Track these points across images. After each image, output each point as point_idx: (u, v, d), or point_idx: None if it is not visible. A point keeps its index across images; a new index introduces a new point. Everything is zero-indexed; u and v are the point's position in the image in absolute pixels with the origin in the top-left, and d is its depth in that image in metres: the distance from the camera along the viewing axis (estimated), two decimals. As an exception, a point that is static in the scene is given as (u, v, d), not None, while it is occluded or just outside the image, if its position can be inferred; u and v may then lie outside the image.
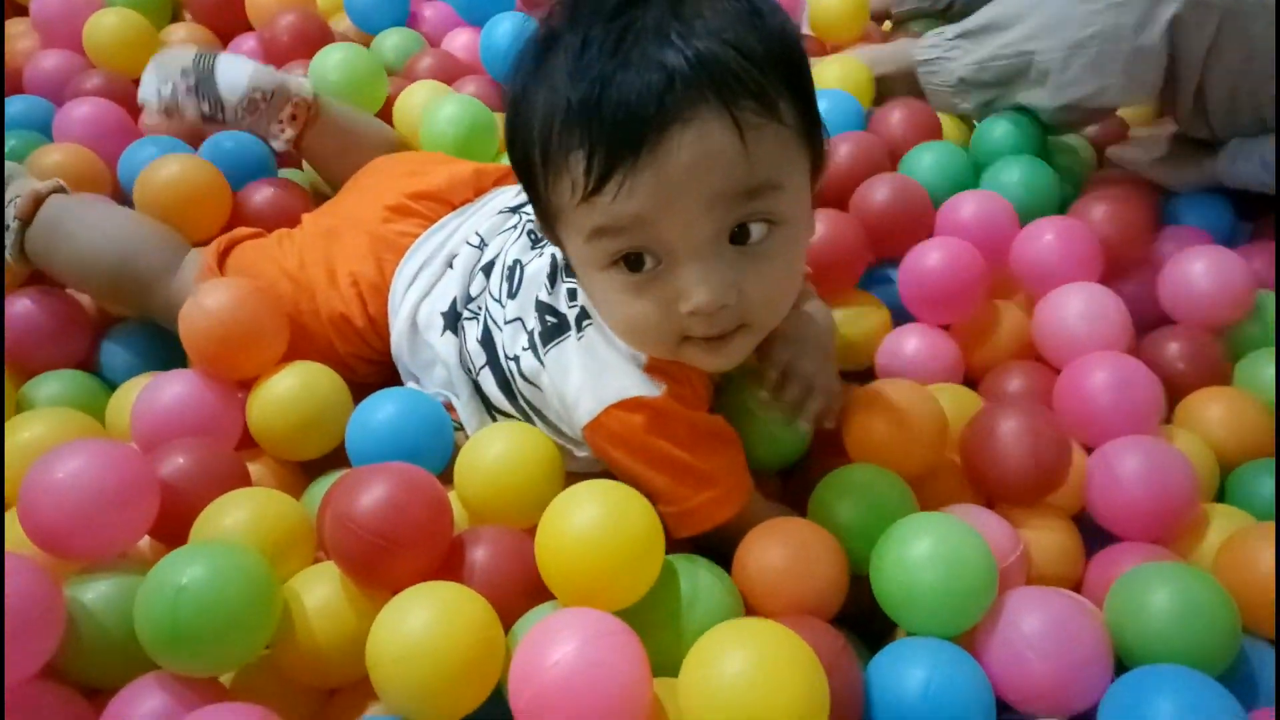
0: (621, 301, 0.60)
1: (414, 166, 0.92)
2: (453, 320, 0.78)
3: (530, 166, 0.59)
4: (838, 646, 0.59)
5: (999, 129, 1.06)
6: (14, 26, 1.29)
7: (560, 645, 0.52)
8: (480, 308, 0.77)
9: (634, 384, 0.66)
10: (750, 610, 0.64)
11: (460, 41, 1.32)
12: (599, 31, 0.54)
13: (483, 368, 0.75)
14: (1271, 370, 0.84)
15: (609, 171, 0.54)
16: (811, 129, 0.60)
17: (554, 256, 0.71)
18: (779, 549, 0.64)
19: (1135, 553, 0.70)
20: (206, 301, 0.75)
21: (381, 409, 0.73)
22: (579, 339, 0.68)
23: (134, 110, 1.11)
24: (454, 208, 0.86)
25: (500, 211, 0.82)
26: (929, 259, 0.88)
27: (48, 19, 1.22)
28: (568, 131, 0.54)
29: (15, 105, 1.11)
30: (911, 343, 0.87)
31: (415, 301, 0.80)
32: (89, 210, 0.89)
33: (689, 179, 0.54)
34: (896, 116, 1.09)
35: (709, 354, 0.61)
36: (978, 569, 0.62)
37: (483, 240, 0.81)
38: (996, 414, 0.74)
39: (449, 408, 0.78)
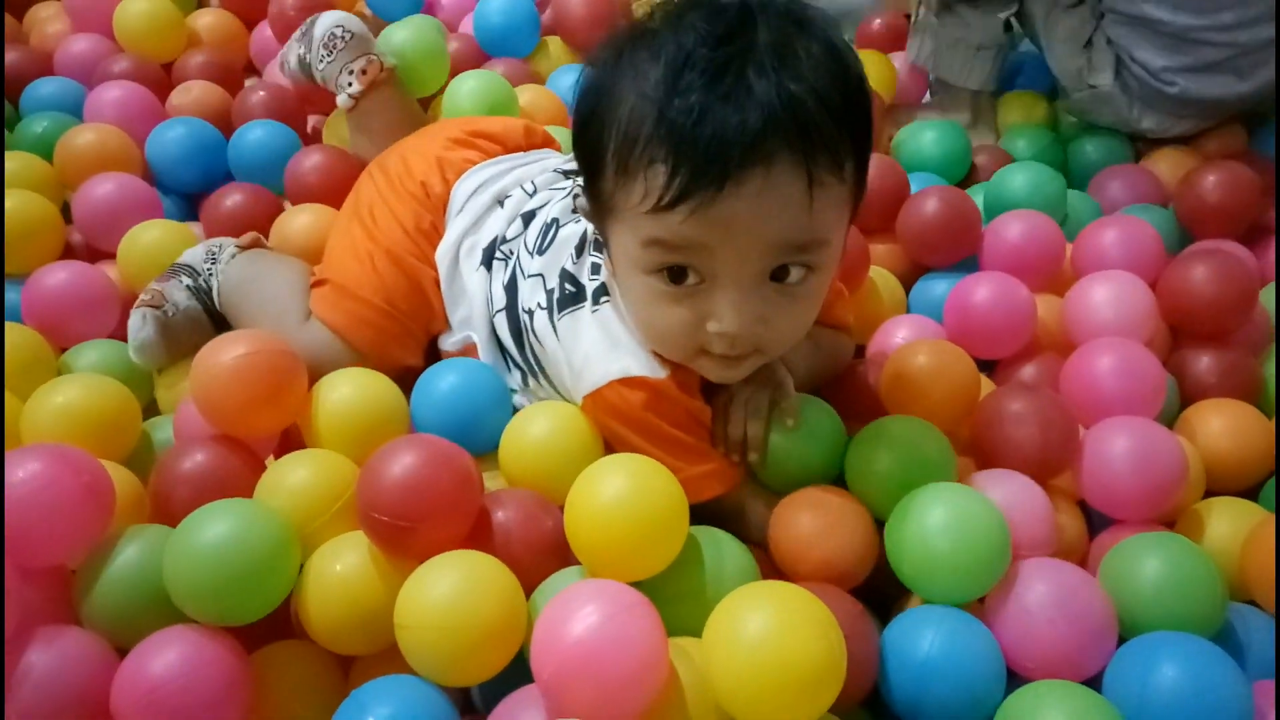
0: (655, 306, 0.62)
1: (468, 118, 0.97)
2: (488, 257, 0.80)
3: (599, 154, 0.60)
4: (855, 612, 0.61)
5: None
6: (44, 10, 1.32)
7: (582, 621, 0.53)
8: (512, 252, 0.79)
9: (639, 364, 0.67)
10: (782, 576, 0.66)
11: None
12: (703, 53, 0.54)
13: (499, 311, 0.78)
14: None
15: (686, 195, 0.55)
16: (862, 183, 0.62)
17: (587, 228, 0.72)
18: (811, 516, 0.66)
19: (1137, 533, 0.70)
20: (211, 360, 0.70)
21: (444, 379, 0.75)
22: (594, 311, 0.70)
23: (162, 94, 1.14)
24: (507, 150, 0.89)
25: (555, 170, 0.85)
26: (976, 293, 0.85)
27: (79, 3, 1.25)
28: (655, 143, 0.55)
29: (48, 87, 1.14)
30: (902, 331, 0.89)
31: (463, 229, 0.82)
32: (255, 276, 0.89)
33: (755, 222, 0.56)
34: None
35: (721, 368, 0.65)
36: (991, 537, 0.63)
37: (535, 189, 0.83)
38: (1005, 396, 0.75)
39: (470, 350, 0.81)
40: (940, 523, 0.63)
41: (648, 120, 0.56)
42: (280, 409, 0.72)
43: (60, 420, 0.72)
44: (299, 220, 0.97)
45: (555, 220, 0.77)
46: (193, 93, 1.15)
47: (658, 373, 0.67)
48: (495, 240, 0.81)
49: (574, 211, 0.75)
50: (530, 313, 0.74)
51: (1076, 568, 0.65)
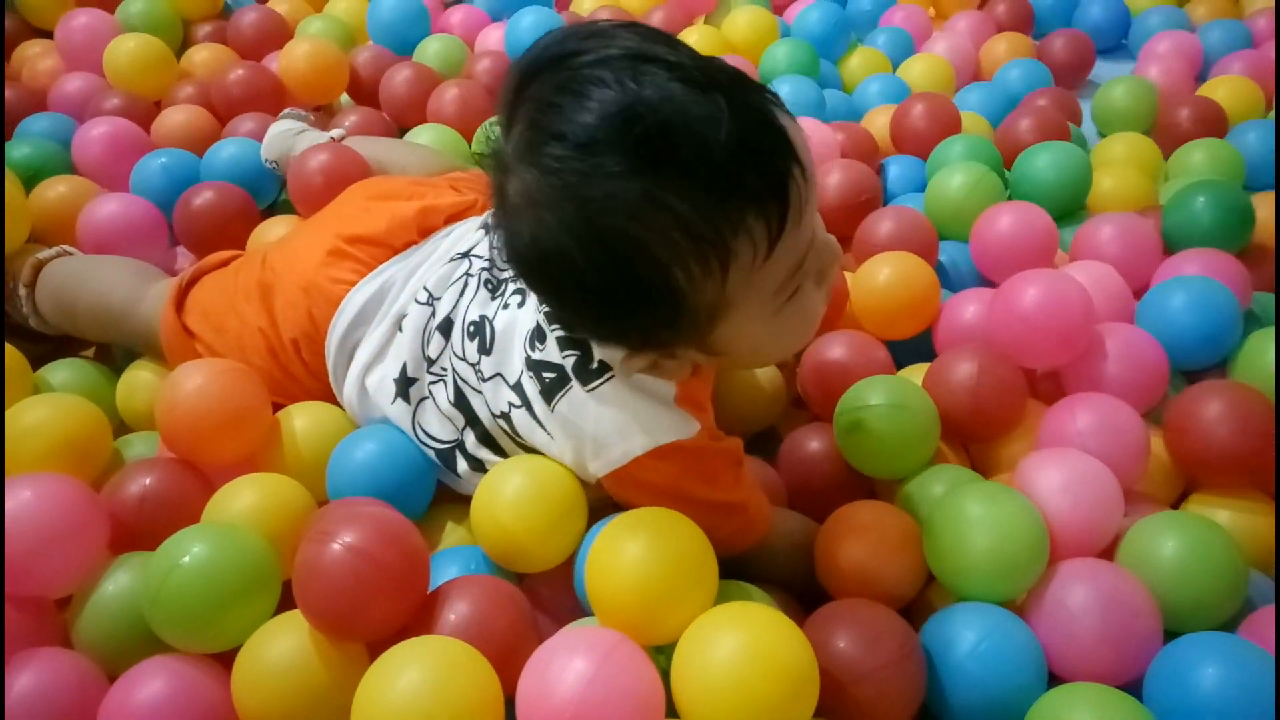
0: (817, 305, 0.61)
1: (365, 204, 0.85)
2: (404, 386, 0.74)
3: (665, 279, 0.53)
4: (911, 645, 0.59)
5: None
6: (32, 47, 1.34)
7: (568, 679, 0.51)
8: (445, 369, 0.73)
9: (667, 428, 0.63)
10: (833, 597, 0.66)
11: (495, 38, 1.36)
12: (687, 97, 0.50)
13: (464, 429, 0.73)
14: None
15: (786, 209, 0.53)
16: None
17: (537, 314, 0.67)
18: (863, 538, 0.66)
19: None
20: (178, 389, 0.71)
21: (361, 448, 0.71)
22: (590, 390, 0.64)
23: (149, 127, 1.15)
24: (395, 251, 0.79)
25: (450, 260, 0.77)
26: (965, 314, 0.85)
27: (71, 43, 1.27)
28: (735, 206, 0.52)
29: (40, 123, 1.15)
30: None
31: (365, 364, 0.76)
32: (79, 265, 0.93)
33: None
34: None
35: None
36: (1029, 536, 0.62)
37: (431, 296, 0.75)
38: (948, 360, 0.78)
39: None
40: (977, 520, 0.62)
41: (714, 196, 0.51)
42: (243, 436, 0.72)
43: (30, 441, 0.70)
44: (277, 232, 0.95)
45: (483, 317, 0.71)
46: (176, 118, 1.15)
47: (689, 428, 0.63)
48: (404, 367, 0.74)
49: (494, 298, 0.72)
50: (504, 415, 0.69)
51: (1118, 567, 0.63)
